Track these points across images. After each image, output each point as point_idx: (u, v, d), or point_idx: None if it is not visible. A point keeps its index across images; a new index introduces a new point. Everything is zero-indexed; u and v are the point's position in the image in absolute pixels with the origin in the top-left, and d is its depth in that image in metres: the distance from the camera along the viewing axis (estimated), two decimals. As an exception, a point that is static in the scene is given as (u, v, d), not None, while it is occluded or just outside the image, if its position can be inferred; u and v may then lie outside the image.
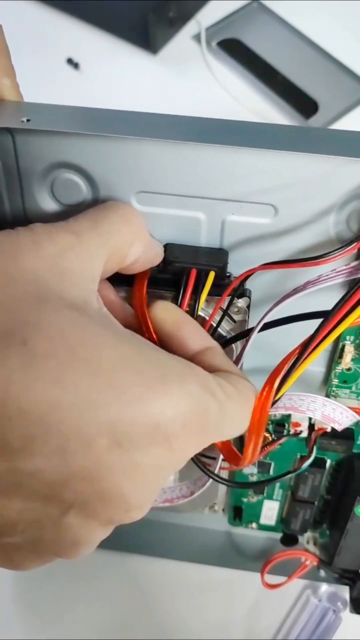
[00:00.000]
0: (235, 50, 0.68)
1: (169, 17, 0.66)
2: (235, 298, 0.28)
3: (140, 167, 0.26)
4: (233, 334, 0.29)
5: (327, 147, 0.25)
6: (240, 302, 0.28)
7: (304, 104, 0.66)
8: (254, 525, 0.47)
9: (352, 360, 0.32)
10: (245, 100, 0.65)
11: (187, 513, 0.46)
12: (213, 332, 0.29)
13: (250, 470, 0.41)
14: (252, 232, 0.28)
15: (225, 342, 0.29)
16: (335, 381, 0.33)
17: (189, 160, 0.26)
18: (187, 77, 0.67)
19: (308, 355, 0.25)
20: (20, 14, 0.66)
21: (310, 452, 0.34)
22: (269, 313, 0.26)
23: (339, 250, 0.25)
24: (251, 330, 0.27)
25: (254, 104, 0.65)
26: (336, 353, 0.32)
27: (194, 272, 0.28)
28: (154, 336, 0.26)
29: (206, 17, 0.69)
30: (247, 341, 0.27)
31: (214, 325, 0.29)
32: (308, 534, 0.48)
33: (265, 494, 0.45)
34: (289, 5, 0.70)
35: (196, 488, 0.41)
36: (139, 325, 0.27)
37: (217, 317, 0.29)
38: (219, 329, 0.29)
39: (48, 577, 0.49)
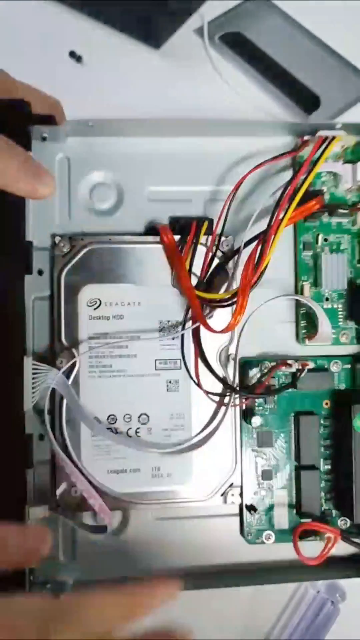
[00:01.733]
0: (238, 45, 0.71)
1: (171, 11, 0.69)
2: (223, 237, 0.50)
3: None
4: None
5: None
6: (229, 238, 0.51)
7: (306, 99, 0.69)
8: (271, 535, 0.50)
9: (312, 297, 0.51)
10: (248, 95, 0.68)
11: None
12: (211, 259, 0.49)
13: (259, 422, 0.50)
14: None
15: (220, 266, 0.49)
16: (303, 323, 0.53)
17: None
18: (189, 71, 0.69)
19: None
20: (23, 7, 0.69)
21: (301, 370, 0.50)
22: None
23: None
24: (238, 249, 0.48)
25: (256, 98, 0.68)
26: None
27: (194, 223, 0.49)
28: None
29: (209, 11, 0.72)
30: (238, 258, 0.47)
31: (212, 254, 0.49)
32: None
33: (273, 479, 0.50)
34: None
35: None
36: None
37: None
38: (215, 258, 0.50)
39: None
